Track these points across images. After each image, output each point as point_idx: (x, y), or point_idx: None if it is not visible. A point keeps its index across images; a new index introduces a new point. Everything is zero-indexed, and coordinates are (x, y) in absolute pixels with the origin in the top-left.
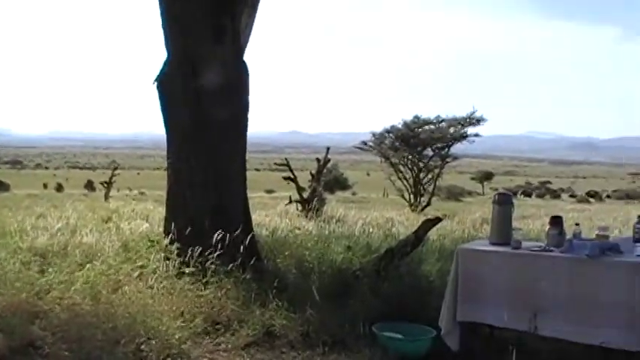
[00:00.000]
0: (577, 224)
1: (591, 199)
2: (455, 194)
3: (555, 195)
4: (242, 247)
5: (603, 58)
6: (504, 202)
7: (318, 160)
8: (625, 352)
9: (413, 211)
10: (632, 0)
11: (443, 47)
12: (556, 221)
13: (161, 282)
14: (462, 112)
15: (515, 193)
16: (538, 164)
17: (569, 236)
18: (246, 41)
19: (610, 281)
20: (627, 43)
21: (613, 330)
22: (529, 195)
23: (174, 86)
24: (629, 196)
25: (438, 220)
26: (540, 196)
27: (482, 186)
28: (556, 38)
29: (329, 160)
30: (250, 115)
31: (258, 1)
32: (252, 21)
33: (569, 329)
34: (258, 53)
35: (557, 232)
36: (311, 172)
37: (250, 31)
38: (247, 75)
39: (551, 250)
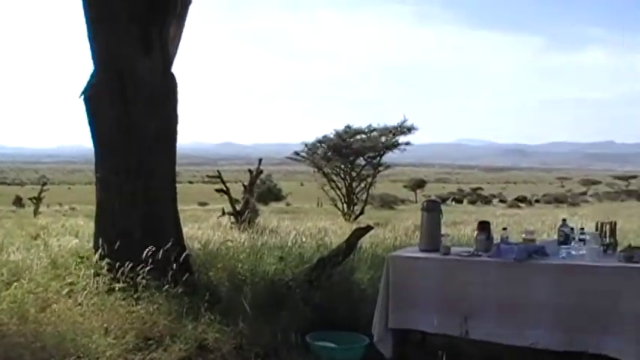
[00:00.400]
0: (504, 229)
1: (521, 204)
2: (388, 202)
3: (487, 201)
4: (173, 261)
5: (529, 66)
6: (432, 208)
7: (250, 171)
8: (553, 352)
9: (346, 220)
10: (554, 12)
11: (373, 58)
12: (483, 226)
13: (91, 299)
14: (393, 122)
15: (446, 200)
16: (470, 171)
17: (497, 241)
18: (175, 52)
19: (537, 283)
20: (550, 52)
21: (541, 331)
22: (460, 201)
23: (101, 98)
24: (557, 200)
25: (368, 228)
26: (472, 202)
27: (415, 194)
28: (483, 47)
29: (261, 172)
30: (182, 127)
31: (187, 11)
32: (181, 31)
33: (499, 332)
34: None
35: (485, 237)
36: (243, 184)
37: (179, 42)
38: (176, 86)
39: (479, 255)
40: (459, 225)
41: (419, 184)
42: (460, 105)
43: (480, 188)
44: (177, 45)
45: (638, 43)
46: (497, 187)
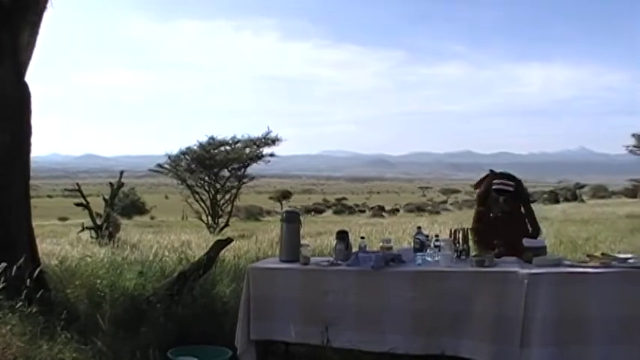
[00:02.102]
0: (362, 237)
1: (384, 213)
2: (254, 214)
3: (351, 210)
4: (28, 280)
5: (391, 79)
6: (292, 219)
7: (111, 184)
8: (413, 356)
9: (211, 232)
10: (415, 27)
11: (240, 70)
12: (342, 236)
13: None
14: (257, 133)
15: (311, 211)
16: (335, 182)
17: (355, 249)
18: (28, 60)
19: (394, 290)
20: (411, 65)
21: (400, 336)
22: (320, 212)
23: None
24: (419, 209)
25: (229, 240)
26: (338, 212)
27: (281, 205)
28: (347, 61)
29: (122, 185)
30: (40, 138)
31: (41, 18)
32: (35, 39)
33: (360, 339)
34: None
35: (343, 247)
36: (104, 197)
37: (32, 50)
38: (29, 96)
39: (338, 264)
40: (323, 235)
41: (284, 195)
42: (325, 117)
43: (345, 198)
44: (31, 53)
45: (495, 59)
46: (362, 197)
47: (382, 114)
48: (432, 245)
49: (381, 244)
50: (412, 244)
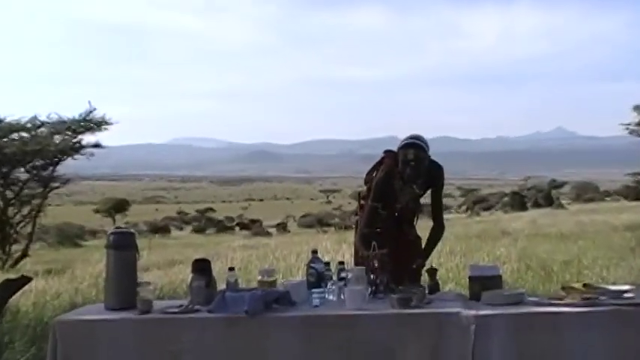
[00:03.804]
0: (231, 269)
1: (270, 230)
2: (70, 237)
3: (221, 227)
4: None
5: (277, 31)
6: (124, 244)
7: None
8: None
9: (2, 267)
10: None
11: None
12: (201, 267)
13: None
14: (72, 112)
15: (159, 230)
16: (197, 184)
17: (222, 287)
18: None
19: (279, 344)
20: (307, 10)
21: None
22: (168, 230)
23: None
24: (322, 223)
25: (25, 280)
26: (200, 230)
27: (114, 220)
28: (216, 4)
29: None
30: None
31: None
32: None
33: None
34: None
35: (203, 283)
36: None
37: None
38: None
39: (195, 310)
40: (178, 265)
41: (119, 207)
42: (179, 87)
43: (211, 209)
44: None
45: (428, 2)
46: (237, 207)
47: (265, 84)
48: (334, 277)
49: (259, 277)
50: (306, 277)
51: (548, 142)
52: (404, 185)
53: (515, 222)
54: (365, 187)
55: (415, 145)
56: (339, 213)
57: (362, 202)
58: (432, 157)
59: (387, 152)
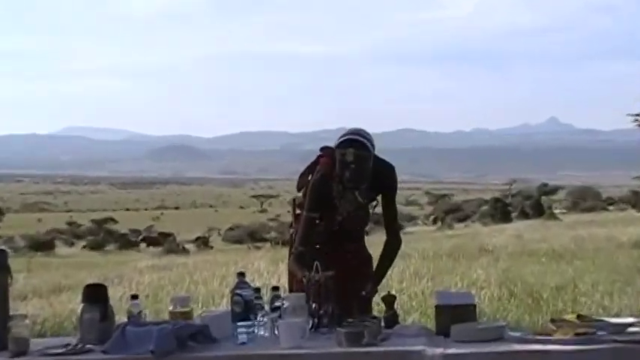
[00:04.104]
0: (134, 297)
1: (188, 246)
2: None
3: (124, 243)
4: None
5: None
6: None
7: None
8: None
9: None
10: None
11: None
12: (93, 295)
13: None
14: None
15: (43, 245)
16: (92, 188)
17: (123, 319)
18: None
19: None
20: None
21: None
22: (52, 247)
23: None
24: (253, 237)
25: None
26: (96, 246)
27: None
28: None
29: None
30: None
31: None
32: None
33: None
34: None
35: (97, 316)
36: None
37: None
38: None
39: (87, 350)
40: (66, 292)
41: None
42: (67, 57)
43: (112, 219)
44: None
45: None
46: (145, 217)
47: (181, 61)
48: (266, 307)
49: (171, 307)
50: (231, 306)
51: (538, 137)
52: (344, 191)
53: (497, 236)
54: (301, 194)
55: (355, 143)
56: (275, 225)
57: (297, 211)
58: (381, 156)
59: (324, 149)
